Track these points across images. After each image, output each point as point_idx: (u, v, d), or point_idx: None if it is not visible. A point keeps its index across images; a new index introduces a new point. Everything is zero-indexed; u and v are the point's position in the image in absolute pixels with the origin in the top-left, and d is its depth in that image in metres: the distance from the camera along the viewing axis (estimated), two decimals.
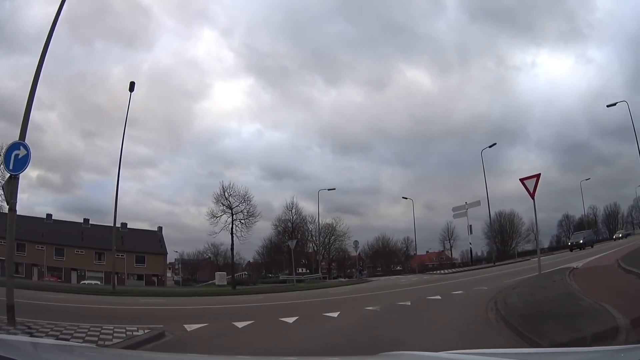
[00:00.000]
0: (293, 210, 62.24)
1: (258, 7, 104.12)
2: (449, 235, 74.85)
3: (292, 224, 62.58)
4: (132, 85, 29.14)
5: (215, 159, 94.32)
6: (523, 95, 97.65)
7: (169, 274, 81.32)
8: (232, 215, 36.02)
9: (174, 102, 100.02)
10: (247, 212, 36.94)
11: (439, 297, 13.99)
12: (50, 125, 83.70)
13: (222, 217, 36.17)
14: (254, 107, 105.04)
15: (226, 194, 36.48)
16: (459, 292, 15.20)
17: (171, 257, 73.16)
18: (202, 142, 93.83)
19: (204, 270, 74.49)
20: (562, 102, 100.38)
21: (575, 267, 18.38)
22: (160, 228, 69.04)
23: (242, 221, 36.48)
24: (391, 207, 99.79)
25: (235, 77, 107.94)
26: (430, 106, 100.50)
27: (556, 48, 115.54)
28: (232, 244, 36.02)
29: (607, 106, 35.35)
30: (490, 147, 43.24)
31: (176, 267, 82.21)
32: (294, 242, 38.89)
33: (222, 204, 36.35)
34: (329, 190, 52.58)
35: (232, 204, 36.33)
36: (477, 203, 43.16)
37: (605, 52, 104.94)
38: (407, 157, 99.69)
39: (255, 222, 37.54)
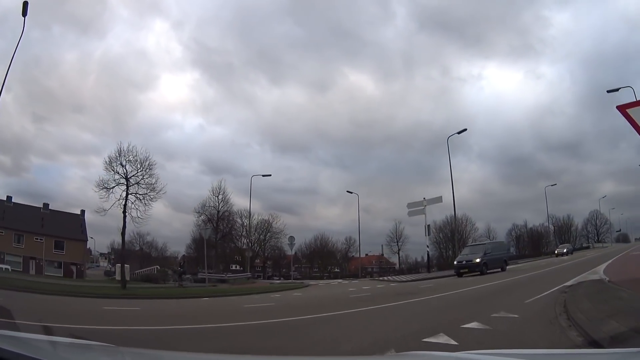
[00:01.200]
0: (220, 197, 53.05)
1: (210, 3, 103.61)
2: (397, 237, 71.43)
3: (218, 212, 53.36)
4: (25, 8, 18.74)
5: (157, 150, 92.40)
6: (467, 106, 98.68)
7: (104, 264, 79.28)
8: (128, 187, 26.79)
9: (121, 90, 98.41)
10: (147, 185, 27.47)
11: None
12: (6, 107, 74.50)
13: (116, 189, 26.71)
14: (198, 101, 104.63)
15: (123, 158, 27.11)
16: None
17: (102, 246, 70.17)
18: (145, 132, 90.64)
19: (134, 261, 64.68)
20: (508, 115, 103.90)
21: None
22: (82, 211, 56.68)
23: (139, 196, 27.06)
24: (328, 208, 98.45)
25: (182, 71, 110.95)
26: (372, 111, 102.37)
27: (505, 62, 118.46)
28: (124, 227, 26.53)
29: (608, 91, 29.60)
30: (459, 133, 35.99)
31: (112, 257, 77.04)
32: (208, 230, 29.58)
33: (116, 171, 26.99)
34: (263, 176, 47.74)
35: (129, 173, 27.02)
36: (438, 199, 36.02)
37: (557, 69, 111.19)
38: (346, 160, 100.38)
39: (156, 198, 27.94)
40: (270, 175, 49.83)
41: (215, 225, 50.38)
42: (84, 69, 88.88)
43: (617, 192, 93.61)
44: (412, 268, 57.88)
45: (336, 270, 71.07)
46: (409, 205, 37.11)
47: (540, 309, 8.55)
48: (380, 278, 35.48)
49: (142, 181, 27.34)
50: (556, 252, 52.37)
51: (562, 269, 22.18)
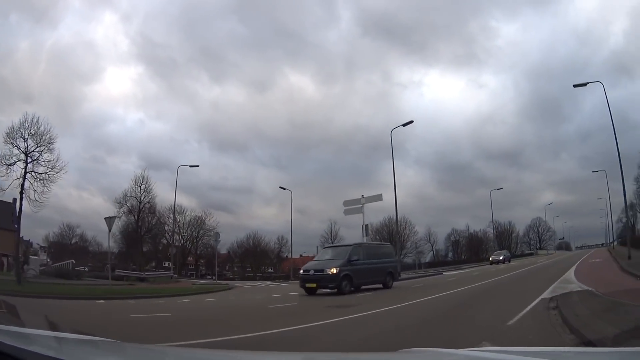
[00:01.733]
0: (142, 187, 48.42)
1: None
2: (331, 238, 68.41)
3: (140, 203, 48.59)
4: None
5: (99, 143, 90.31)
6: (406, 111, 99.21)
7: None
8: (27, 164, 22.36)
9: (68, 82, 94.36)
10: (47, 163, 23.17)
11: None
12: None
13: (16, 166, 22.19)
14: (140, 95, 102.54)
15: (24, 130, 22.66)
16: None
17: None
18: (88, 125, 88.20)
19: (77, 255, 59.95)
20: (447, 122, 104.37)
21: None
22: (15, 200, 49.70)
23: (37, 175, 22.68)
24: (264, 208, 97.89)
25: (126, 64, 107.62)
26: (311, 113, 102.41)
27: (448, 70, 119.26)
28: (20, 209, 22.08)
29: (575, 86, 28.26)
30: (404, 125, 32.07)
31: (51, 250, 69.51)
32: (112, 220, 25.10)
33: (15, 146, 22.52)
34: (190, 166, 44.57)
35: (29, 148, 22.59)
36: (378, 197, 31.95)
37: (500, 79, 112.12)
38: (283, 160, 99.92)
39: (56, 179, 23.38)
40: (197, 166, 47.25)
41: (136, 217, 46.16)
42: (35, 59, 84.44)
43: (558, 201, 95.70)
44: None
45: (269, 270, 69.05)
46: (346, 202, 32.99)
47: None
48: None
49: (41, 158, 22.96)
50: (490, 259, 48.83)
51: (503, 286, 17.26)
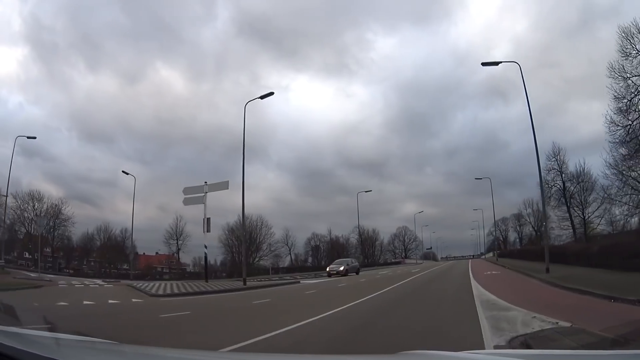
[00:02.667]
0: None
1: None
2: (177, 234, 65.06)
3: None
4: None
5: None
6: (271, 115, 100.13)
7: None
8: None
9: None
10: None
11: None
12: None
13: None
14: (23, 78, 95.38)
15: None
16: None
17: None
18: None
19: None
20: (311, 129, 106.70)
21: None
22: None
23: None
24: (128, 203, 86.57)
25: (15, 44, 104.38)
26: (177, 109, 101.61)
27: (317, 77, 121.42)
28: None
29: (483, 64, 25.80)
30: (262, 97, 27.27)
31: None
32: None
33: None
34: (27, 138, 39.23)
35: None
36: (224, 185, 27.43)
37: (370, 91, 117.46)
38: (146, 155, 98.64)
39: None
40: (35, 137, 41.17)
41: None
42: None
43: (424, 213, 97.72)
44: (208, 271, 50.32)
45: (125, 267, 63.39)
46: (186, 190, 27.92)
47: None
48: (139, 286, 22.61)
49: None
50: (328, 269, 38.18)
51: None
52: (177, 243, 66.20)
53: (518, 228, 79.79)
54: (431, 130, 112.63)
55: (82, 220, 63.15)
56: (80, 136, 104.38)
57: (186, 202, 27.86)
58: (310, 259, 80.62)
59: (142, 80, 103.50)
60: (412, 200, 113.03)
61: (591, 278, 15.26)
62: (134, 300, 16.22)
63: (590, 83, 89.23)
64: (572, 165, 42.38)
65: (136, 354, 2.73)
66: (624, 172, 31.89)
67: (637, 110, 27.17)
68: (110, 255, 64.03)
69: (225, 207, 77.18)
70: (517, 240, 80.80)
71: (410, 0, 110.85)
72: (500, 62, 23.77)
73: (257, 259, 67.56)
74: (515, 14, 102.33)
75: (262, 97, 27.75)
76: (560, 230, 44.43)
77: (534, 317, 8.56)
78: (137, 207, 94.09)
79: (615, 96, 27.88)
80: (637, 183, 31.63)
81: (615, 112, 28.14)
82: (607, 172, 34.07)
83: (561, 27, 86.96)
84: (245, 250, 31.82)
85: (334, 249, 79.50)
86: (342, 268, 36.89)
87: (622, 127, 28.33)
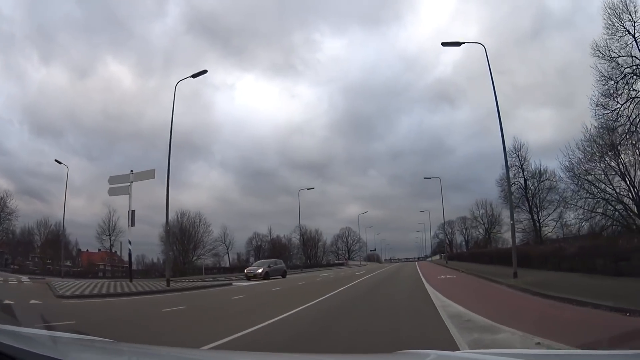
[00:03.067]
0: None
1: None
2: (109, 229, 61.37)
3: None
4: None
5: None
6: (215, 114, 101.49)
7: None
8: None
9: None
10: None
11: None
12: None
13: None
14: None
15: None
16: None
17: None
18: None
19: None
20: (255, 128, 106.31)
21: None
22: None
23: None
24: (74, 199, 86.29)
25: None
26: (125, 105, 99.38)
27: (263, 77, 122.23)
28: None
29: (443, 44, 21.64)
30: (194, 76, 24.53)
31: None
32: None
33: None
34: None
35: None
36: (149, 174, 24.58)
37: (316, 92, 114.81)
38: (93, 151, 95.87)
39: None
40: None
41: None
42: None
43: (365, 215, 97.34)
44: (149, 270, 53.13)
45: (68, 263, 59.38)
46: (112, 179, 25.46)
47: None
48: (55, 285, 20.30)
49: None
50: (246, 271, 33.27)
51: None
52: (109, 239, 62.12)
53: (464, 231, 79.88)
54: (376, 133, 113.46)
55: (31, 214, 62.16)
56: (31, 129, 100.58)
57: (111, 192, 25.31)
58: (252, 259, 76.37)
59: (92, 75, 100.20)
60: (355, 202, 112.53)
61: (577, 284, 12.61)
62: (32, 301, 13.66)
63: (540, 91, 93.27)
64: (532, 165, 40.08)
65: (134, 352, 2.71)
66: (580, 176, 31.00)
67: (625, 93, 25.30)
68: (51, 250, 58.58)
69: (157, 202, 72.86)
70: (464, 243, 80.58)
71: (360, 2, 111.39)
72: (463, 43, 20.88)
73: (195, 258, 64.54)
74: (467, 20, 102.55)
75: (194, 76, 24.93)
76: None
77: (538, 343, 5.82)
78: (83, 204, 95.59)
79: (600, 77, 26.13)
80: (592, 187, 30.58)
81: (603, 94, 26.33)
82: (562, 175, 33.85)
83: (513, 34, 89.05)
84: (167, 249, 27.64)
85: (276, 249, 77.58)
86: (260, 270, 31.70)
87: (611, 110, 26.58)
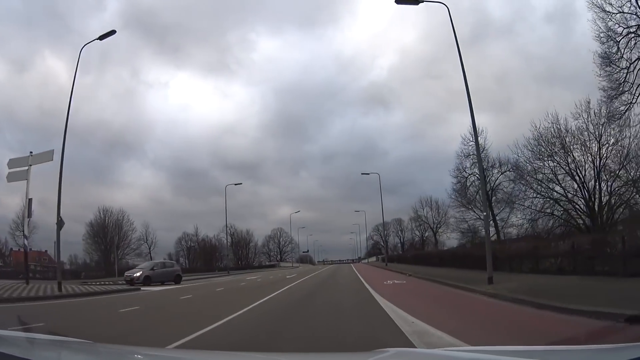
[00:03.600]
0: None
1: None
2: (22, 225, 53.25)
3: None
4: None
5: None
6: (149, 112, 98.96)
7: None
8: None
9: None
10: None
11: None
12: None
13: None
14: None
15: None
16: None
17: None
18: None
19: None
20: (188, 127, 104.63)
21: None
22: None
23: None
24: (9, 197, 74.03)
25: None
26: (60, 100, 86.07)
27: (197, 75, 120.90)
28: None
29: (397, 2, 17.75)
30: (100, 39, 20.81)
31: None
32: None
33: None
34: None
35: None
36: (48, 156, 21.29)
37: (249, 92, 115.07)
38: (29, 147, 79.27)
39: None
40: None
41: None
42: None
43: (298, 216, 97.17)
44: (80, 270, 51.22)
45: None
46: (11, 162, 22.41)
47: None
48: None
49: None
50: (126, 275, 27.78)
51: None
52: (23, 235, 54.77)
53: (400, 233, 78.45)
54: (308, 134, 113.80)
55: None
56: None
57: (10, 177, 22.14)
58: (182, 260, 74.44)
59: (30, 69, 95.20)
60: (288, 204, 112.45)
61: (589, 290, 9.41)
62: None
63: (476, 96, 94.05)
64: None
65: (110, 353, 2.74)
66: (527, 177, 29.57)
67: (625, 56, 22.28)
68: None
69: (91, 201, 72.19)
70: (399, 245, 79.04)
71: (297, 2, 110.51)
72: (423, 1, 17.23)
73: (120, 258, 59.58)
74: (405, 25, 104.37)
75: (100, 38, 21.64)
76: (457, 233, 40.12)
77: None
78: (18, 203, 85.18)
79: (599, 36, 22.82)
80: (540, 187, 29.08)
81: (602, 56, 23.05)
82: (509, 174, 32.46)
83: (451, 40, 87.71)
84: (58, 248, 22.14)
85: (205, 249, 74.94)
86: (138, 274, 25.58)
87: (619, 68, 22.81)
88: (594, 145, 26.36)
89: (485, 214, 16.95)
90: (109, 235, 60.41)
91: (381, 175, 49.36)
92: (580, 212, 27.85)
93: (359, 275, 27.08)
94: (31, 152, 21.76)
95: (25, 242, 25.01)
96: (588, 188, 27.05)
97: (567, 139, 27.14)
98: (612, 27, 22.08)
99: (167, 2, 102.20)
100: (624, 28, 21.74)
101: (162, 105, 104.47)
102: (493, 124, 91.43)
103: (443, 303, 11.10)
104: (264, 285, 20.62)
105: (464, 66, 15.95)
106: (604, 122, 25.34)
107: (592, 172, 26.83)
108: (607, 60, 22.77)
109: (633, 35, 21.59)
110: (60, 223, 19.78)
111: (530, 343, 6.21)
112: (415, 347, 5.43)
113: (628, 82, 22.30)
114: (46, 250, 60.49)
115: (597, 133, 25.94)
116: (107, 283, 27.36)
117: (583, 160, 26.95)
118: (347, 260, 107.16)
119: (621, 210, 26.57)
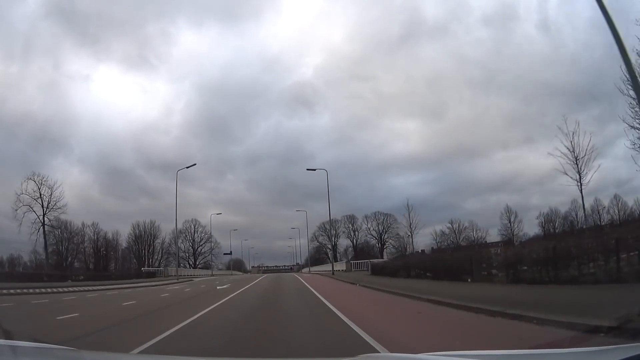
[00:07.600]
0: None
1: None
2: None
3: None
4: None
5: None
6: (74, 105, 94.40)
7: None
8: None
9: None
10: None
11: None
12: None
13: None
14: None
15: None
16: None
17: None
18: None
19: None
20: (111, 123, 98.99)
21: None
22: None
23: None
24: None
25: None
26: None
27: (117, 69, 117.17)
28: None
29: None
30: None
31: None
32: None
33: None
34: None
35: None
36: None
37: (170, 89, 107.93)
38: None
39: None
40: None
41: None
42: None
43: (225, 220, 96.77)
44: (28, 275, 45.18)
45: None
46: None
47: None
48: None
49: None
50: None
51: None
52: None
53: (352, 234, 72.74)
54: (233, 135, 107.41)
55: None
56: None
57: None
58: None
59: None
60: (216, 207, 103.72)
61: None
62: None
63: (406, 101, 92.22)
64: None
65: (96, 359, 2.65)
66: None
67: None
68: None
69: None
70: (351, 248, 73.15)
71: None
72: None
73: (69, 260, 62.35)
74: (332, 23, 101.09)
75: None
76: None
77: None
78: None
79: None
80: None
81: None
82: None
83: (380, 40, 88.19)
84: None
85: (124, 253, 70.34)
86: None
87: None
88: None
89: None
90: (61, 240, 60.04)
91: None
92: None
93: (321, 297, 15.68)
94: None
95: None
96: None
97: None
98: None
99: None
100: None
101: (85, 99, 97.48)
102: (425, 130, 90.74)
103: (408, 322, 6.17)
104: (170, 314, 12.62)
105: None
106: None
107: None
108: None
109: None
110: None
111: None
112: None
113: None
114: None
115: None
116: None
117: None
118: (284, 267, 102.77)
119: None
